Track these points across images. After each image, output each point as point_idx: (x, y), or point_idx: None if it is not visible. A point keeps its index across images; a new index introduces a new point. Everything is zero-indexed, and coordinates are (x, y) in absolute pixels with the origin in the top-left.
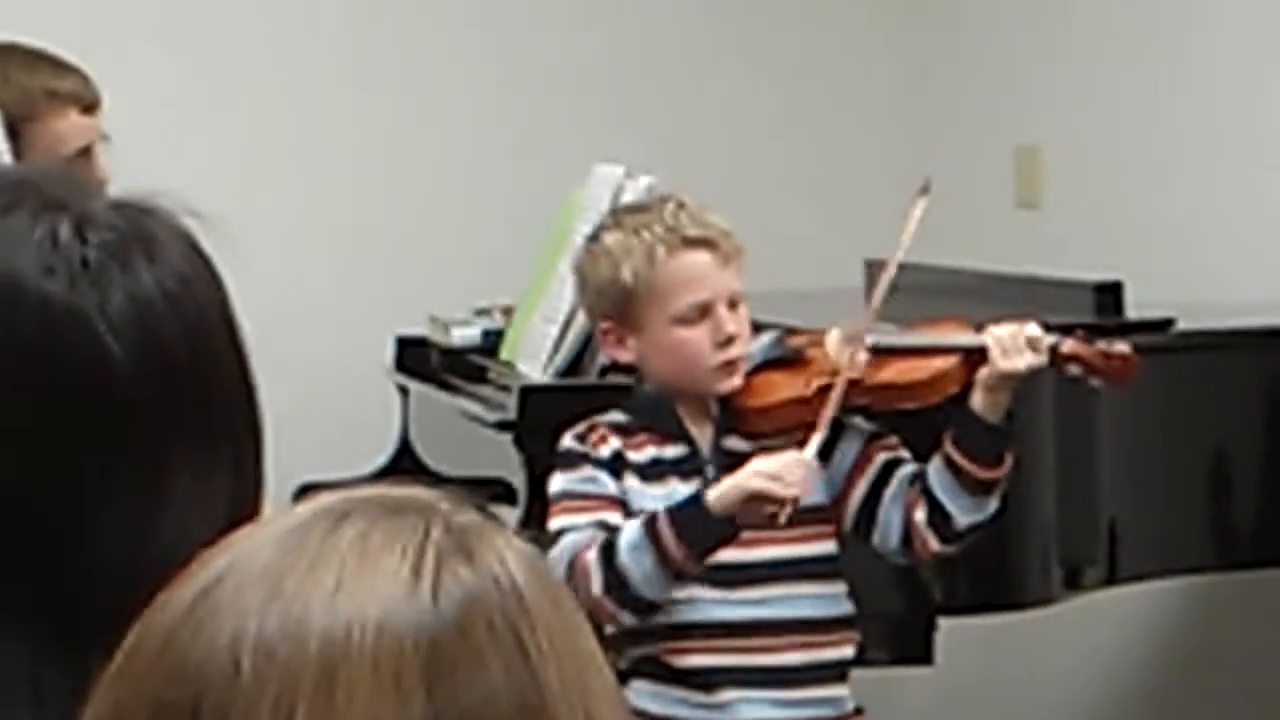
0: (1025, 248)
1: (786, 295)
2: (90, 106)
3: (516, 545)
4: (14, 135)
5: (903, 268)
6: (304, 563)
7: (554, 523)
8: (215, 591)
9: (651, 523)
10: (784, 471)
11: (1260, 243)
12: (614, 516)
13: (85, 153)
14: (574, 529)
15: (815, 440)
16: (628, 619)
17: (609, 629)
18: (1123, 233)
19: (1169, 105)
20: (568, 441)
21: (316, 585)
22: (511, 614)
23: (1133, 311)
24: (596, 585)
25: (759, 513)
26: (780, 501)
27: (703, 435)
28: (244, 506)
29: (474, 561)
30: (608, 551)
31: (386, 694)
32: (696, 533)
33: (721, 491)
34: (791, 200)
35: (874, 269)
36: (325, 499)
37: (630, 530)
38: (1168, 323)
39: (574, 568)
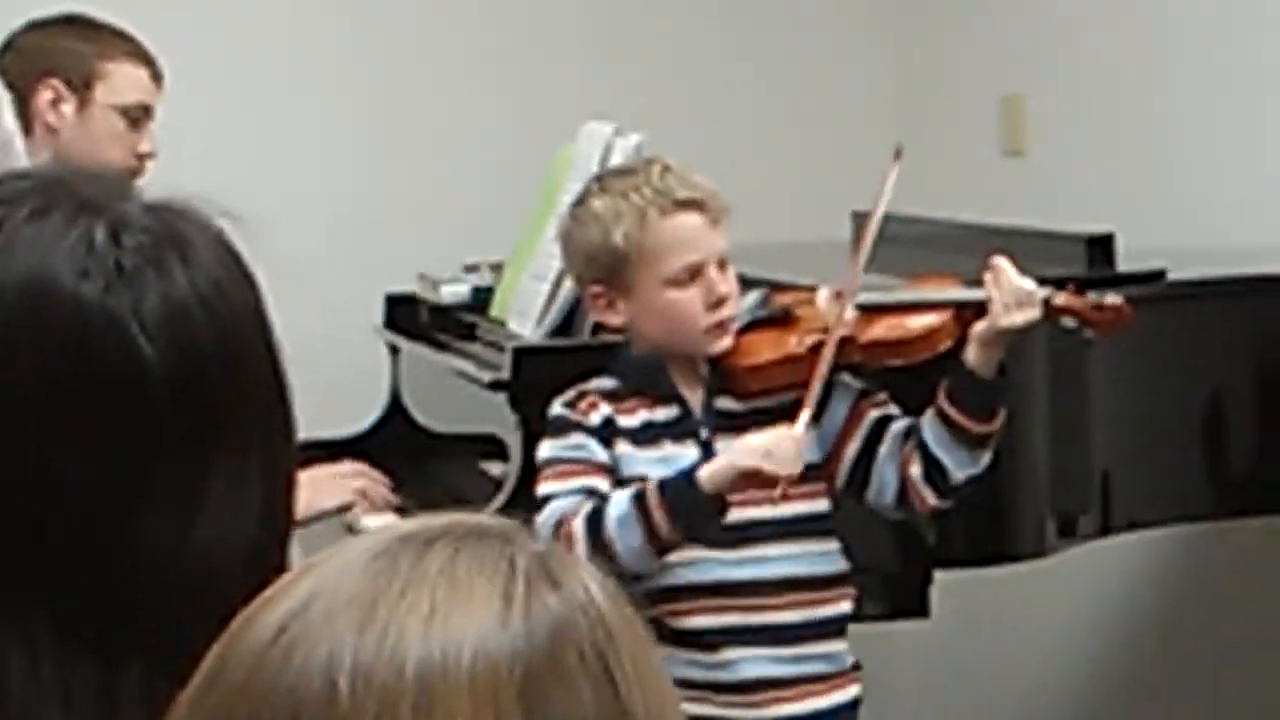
0: (1012, 197)
1: (773, 248)
2: (158, 75)
3: (594, 572)
4: (86, 86)
5: (890, 219)
6: (395, 588)
7: (541, 488)
8: (303, 616)
9: (641, 497)
10: (775, 449)
11: (1247, 187)
12: (601, 483)
13: (144, 113)
14: (560, 495)
15: (805, 415)
16: None
17: None
18: (1109, 180)
19: (1153, 51)
20: (557, 409)
21: (410, 611)
22: (598, 641)
23: (1122, 259)
24: (581, 554)
25: (750, 490)
26: (773, 480)
27: (694, 397)
28: (277, 511)
29: (561, 588)
30: (594, 521)
31: (484, 719)
32: (686, 509)
33: (713, 470)
34: (777, 152)
35: (861, 220)
36: (404, 524)
37: (619, 503)
38: (1159, 274)
39: (558, 534)
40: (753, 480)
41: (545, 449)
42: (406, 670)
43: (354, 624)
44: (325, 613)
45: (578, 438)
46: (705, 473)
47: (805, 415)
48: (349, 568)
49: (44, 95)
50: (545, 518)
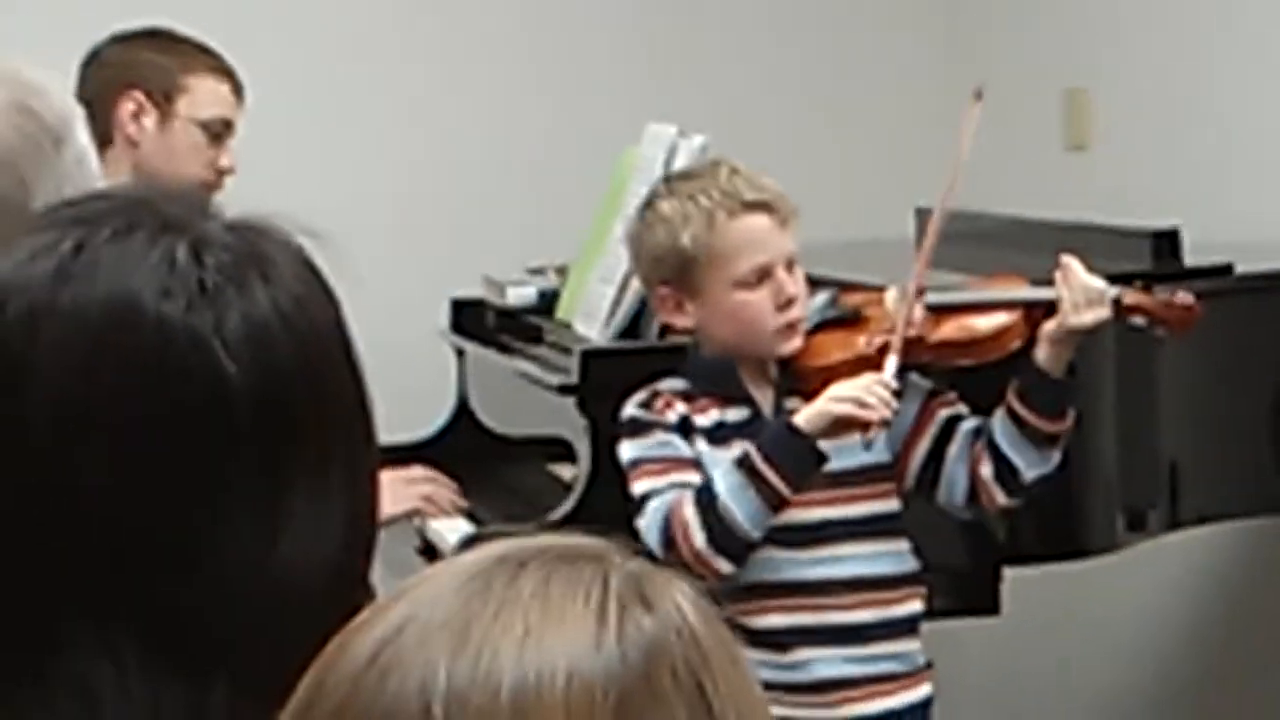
0: (1075, 191)
1: (835, 246)
2: (239, 89)
3: (688, 591)
4: (168, 99)
5: (953, 215)
6: (489, 611)
7: (636, 488)
8: (398, 640)
9: (744, 460)
10: (866, 394)
11: None
12: (693, 477)
13: (225, 128)
14: (657, 492)
15: (892, 360)
16: (726, 568)
17: None
18: (1173, 173)
19: (1216, 43)
20: (632, 410)
21: (504, 633)
22: (692, 661)
23: (1187, 253)
24: (699, 539)
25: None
26: (865, 424)
27: (764, 398)
28: (360, 527)
29: (654, 609)
30: (704, 501)
31: None
32: (794, 458)
33: (809, 415)
34: (839, 150)
35: (923, 217)
36: (497, 547)
37: (723, 476)
38: (1226, 268)
39: (670, 526)
40: (847, 426)
41: (630, 449)
42: (501, 694)
43: (448, 647)
44: (419, 636)
45: (661, 435)
46: (802, 419)
47: (893, 359)
48: (442, 591)
49: (126, 107)
50: (650, 514)
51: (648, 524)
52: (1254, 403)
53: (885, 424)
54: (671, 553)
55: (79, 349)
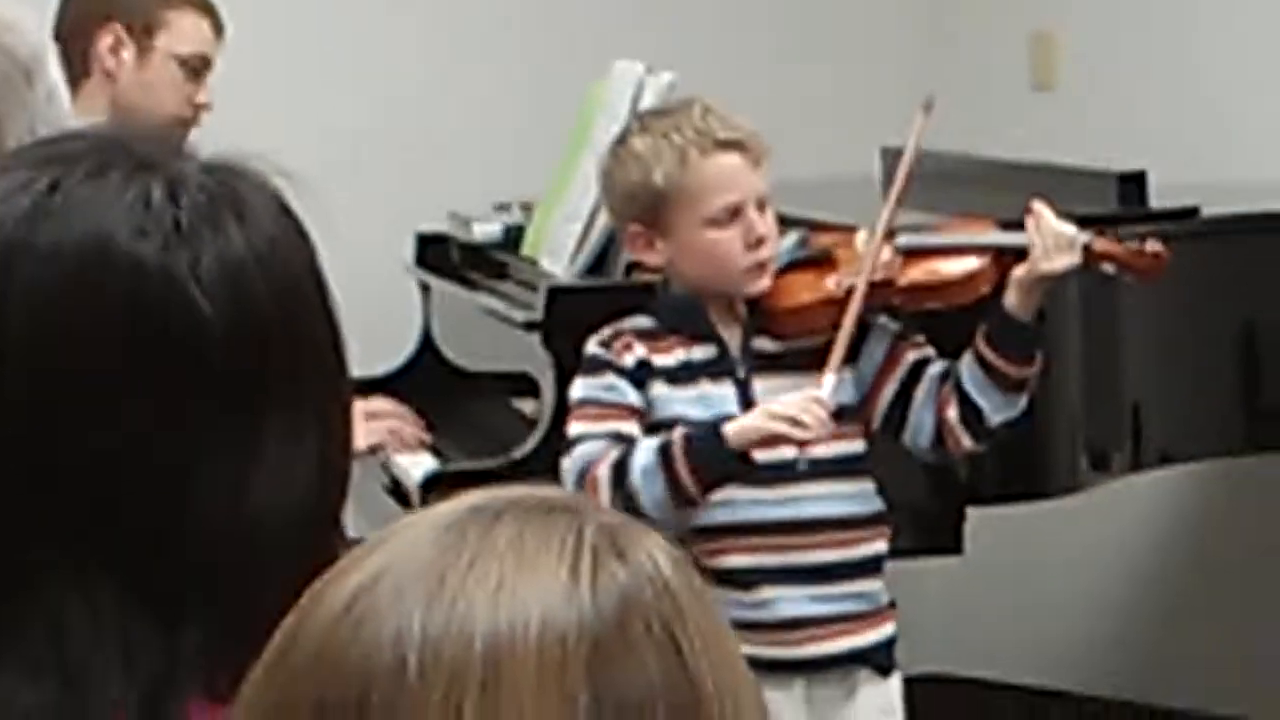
0: (1041, 133)
1: (802, 183)
2: (219, 26)
3: (663, 544)
4: (148, 33)
5: (920, 155)
6: (463, 561)
7: (571, 429)
8: (374, 589)
9: (666, 449)
10: (802, 414)
11: (1277, 121)
12: (631, 427)
13: (204, 64)
14: (589, 437)
15: (830, 378)
16: None
17: None
18: (1139, 116)
19: None
20: (593, 348)
21: (479, 584)
22: (665, 613)
23: (1153, 194)
24: (605, 500)
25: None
26: (798, 444)
27: (732, 336)
28: (332, 468)
29: (627, 560)
30: (620, 470)
31: (551, 691)
32: (710, 464)
33: (740, 428)
34: (806, 88)
35: (890, 156)
36: (473, 497)
37: (645, 451)
38: (1192, 211)
39: (584, 480)
40: (777, 441)
41: (578, 388)
42: (474, 643)
43: (422, 597)
44: (394, 586)
45: (610, 378)
46: (732, 429)
47: (831, 378)
48: (418, 541)
49: (104, 40)
50: (573, 461)
51: (568, 468)
52: (1218, 346)
53: (815, 442)
54: None
55: (53, 287)
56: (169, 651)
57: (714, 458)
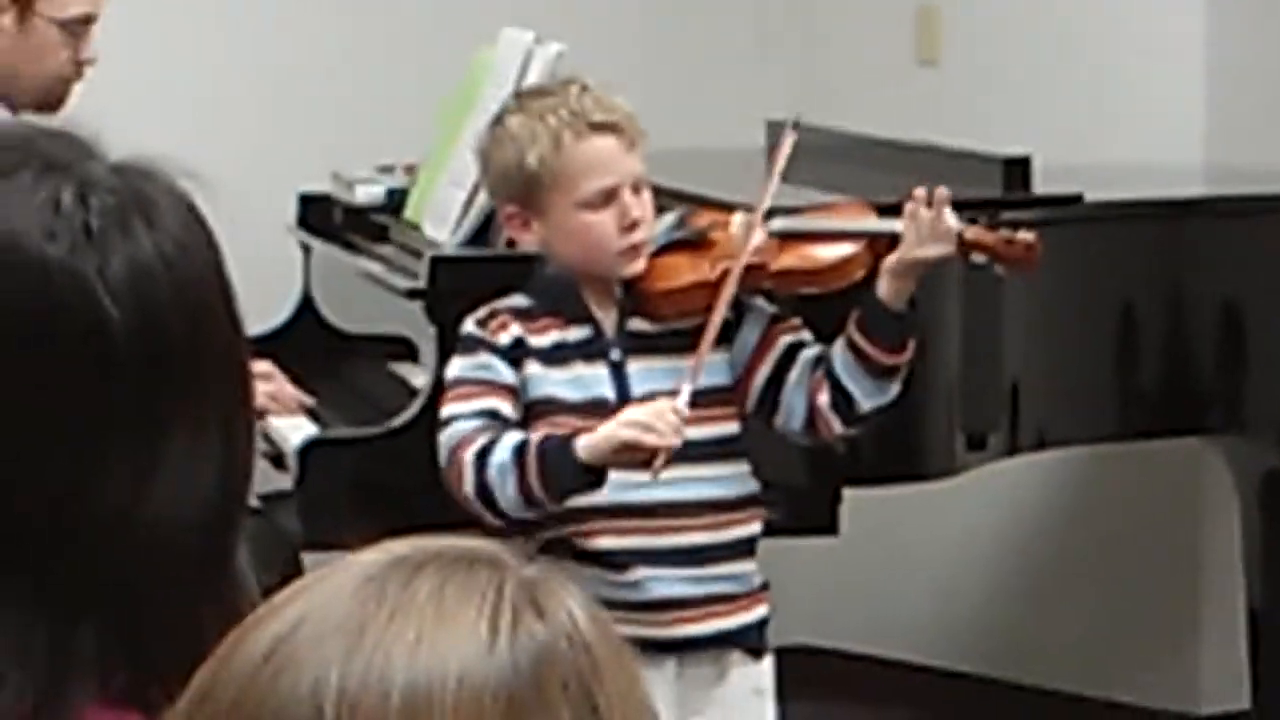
0: (926, 108)
1: (685, 154)
2: None
3: (582, 599)
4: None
5: (805, 130)
6: (383, 614)
7: (445, 409)
8: (292, 639)
9: (521, 452)
10: (656, 421)
11: (1161, 99)
12: (504, 405)
13: (85, 23)
14: (461, 417)
15: (687, 389)
16: (491, 520)
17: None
18: (1023, 93)
19: None
20: (469, 327)
21: (398, 637)
22: (582, 671)
23: (1037, 174)
24: (468, 486)
25: (630, 461)
26: (652, 451)
27: (607, 318)
28: (233, 473)
29: (546, 617)
30: (481, 460)
31: None
32: (559, 475)
33: (592, 441)
34: (692, 60)
35: (775, 130)
36: (396, 548)
37: (503, 449)
38: (1076, 198)
39: (451, 461)
40: (632, 451)
41: (453, 367)
42: (392, 696)
43: (341, 649)
44: (313, 637)
45: (484, 357)
46: (584, 442)
47: (688, 389)
48: (338, 591)
49: None
50: (445, 440)
51: (442, 444)
52: (1098, 332)
53: (670, 453)
54: (447, 484)
55: None
56: (65, 652)
57: (564, 471)
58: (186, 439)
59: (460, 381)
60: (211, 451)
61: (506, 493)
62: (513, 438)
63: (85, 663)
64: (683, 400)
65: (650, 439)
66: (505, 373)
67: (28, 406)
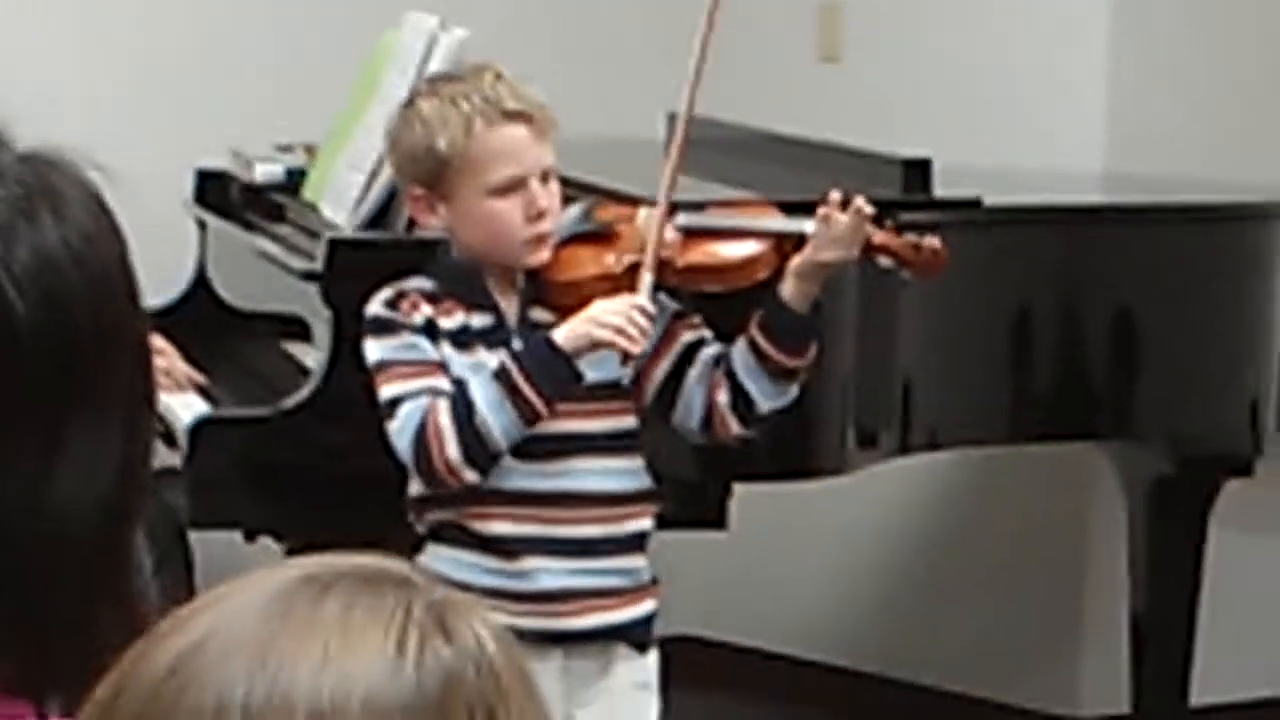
0: (827, 104)
1: (584, 144)
2: None
3: (490, 622)
4: None
5: (706, 124)
6: (289, 633)
7: (385, 392)
8: (198, 656)
9: (502, 375)
10: (626, 323)
11: (1064, 100)
12: (442, 382)
13: None
14: (409, 395)
15: (647, 280)
16: (473, 478)
17: (412, 492)
18: (924, 91)
19: None
20: (376, 308)
21: (304, 657)
22: (488, 694)
23: (936, 177)
24: (452, 449)
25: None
26: (624, 354)
27: (509, 306)
28: (134, 468)
29: (453, 640)
30: (461, 410)
31: None
32: (550, 375)
33: (570, 333)
34: (592, 50)
35: (673, 122)
36: (305, 566)
37: (482, 386)
38: (974, 202)
39: (424, 433)
40: (605, 347)
41: (376, 350)
42: (296, 716)
43: (245, 667)
44: (219, 653)
45: (408, 337)
46: (562, 335)
47: (647, 279)
48: (246, 608)
49: None
50: (402, 421)
51: (399, 428)
52: (993, 335)
53: (640, 353)
54: (421, 460)
55: None
56: None
57: (553, 367)
58: (89, 430)
59: (392, 363)
60: (113, 443)
61: (504, 423)
62: (482, 376)
63: None
64: (644, 293)
65: (622, 342)
66: (430, 350)
67: None
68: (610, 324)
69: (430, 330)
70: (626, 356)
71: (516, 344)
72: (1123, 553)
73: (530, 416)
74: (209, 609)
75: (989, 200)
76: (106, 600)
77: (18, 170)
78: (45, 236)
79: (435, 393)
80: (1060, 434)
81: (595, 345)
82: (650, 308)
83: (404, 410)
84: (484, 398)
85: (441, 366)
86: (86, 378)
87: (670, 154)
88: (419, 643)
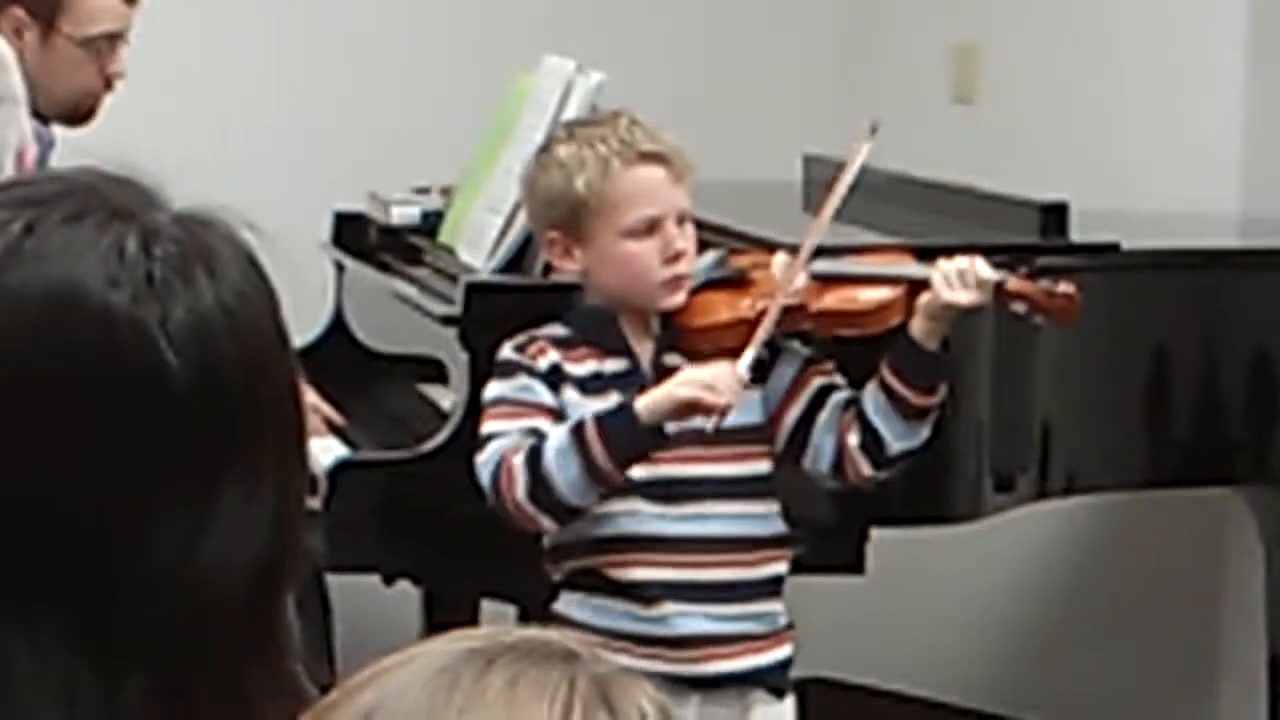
0: (962, 145)
1: (723, 187)
2: None
3: (654, 697)
4: (51, 15)
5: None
6: (454, 707)
7: (485, 427)
8: None
9: (579, 429)
10: (715, 381)
11: (1199, 142)
12: (546, 424)
13: (111, 40)
14: (503, 434)
15: (749, 353)
16: (548, 524)
17: (546, 542)
18: (1060, 132)
19: (1108, 5)
20: (506, 352)
21: None
22: None
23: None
24: (520, 490)
25: (688, 420)
26: (710, 410)
27: (644, 351)
28: (287, 527)
29: (617, 715)
30: (534, 456)
31: None
32: (624, 441)
33: (652, 400)
34: (730, 94)
35: (812, 165)
36: (470, 638)
37: (558, 435)
38: (1113, 246)
39: (500, 471)
40: (691, 410)
41: (493, 389)
42: None
43: None
44: None
45: (524, 379)
46: (643, 403)
47: (750, 353)
48: (411, 682)
49: (5, 24)
50: (487, 456)
51: (483, 462)
52: (1129, 379)
53: (726, 413)
54: (494, 497)
55: (22, 332)
56: (110, 701)
57: (627, 432)
58: (242, 490)
59: (501, 401)
60: (266, 505)
61: (569, 476)
62: (563, 426)
63: (130, 712)
64: (744, 364)
65: (709, 397)
66: (545, 394)
67: (86, 452)
68: (697, 380)
69: (555, 375)
70: (710, 414)
71: (607, 402)
72: (1260, 597)
73: (597, 476)
74: (375, 681)
75: (1126, 245)
76: (257, 663)
77: (174, 230)
78: (200, 295)
79: (529, 433)
80: (1197, 479)
81: (680, 405)
82: (746, 375)
83: (491, 446)
84: (554, 446)
85: (551, 411)
86: (240, 438)
87: (820, 206)
88: (583, 717)
